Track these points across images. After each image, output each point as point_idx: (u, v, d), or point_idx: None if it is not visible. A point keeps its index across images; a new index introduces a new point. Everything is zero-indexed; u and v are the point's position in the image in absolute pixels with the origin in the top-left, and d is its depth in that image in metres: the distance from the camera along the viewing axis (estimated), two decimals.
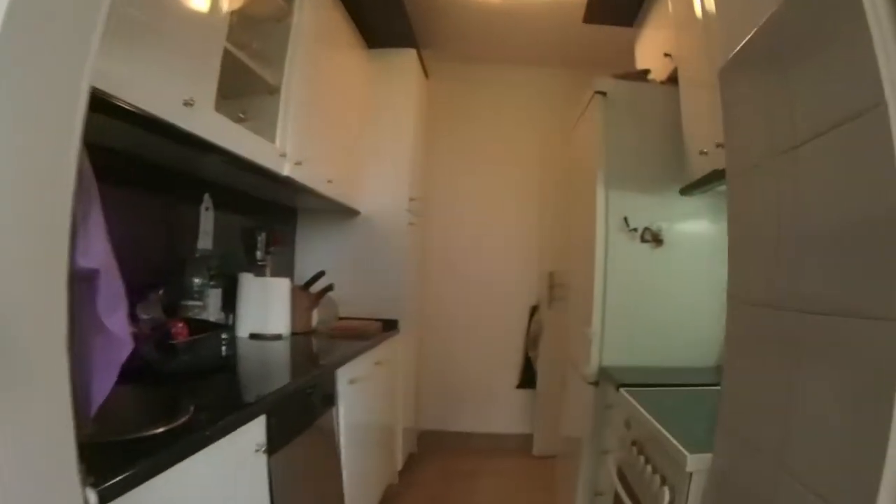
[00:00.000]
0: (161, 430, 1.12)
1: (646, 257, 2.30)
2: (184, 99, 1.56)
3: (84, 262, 0.86)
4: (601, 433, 2.25)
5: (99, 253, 0.90)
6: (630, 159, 2.35)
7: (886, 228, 0.73)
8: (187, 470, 1.08)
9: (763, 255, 1.08)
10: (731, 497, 1.12)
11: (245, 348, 2.36)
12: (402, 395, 3.41)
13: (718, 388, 2.01)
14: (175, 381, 1.57)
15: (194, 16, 1.62)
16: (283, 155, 2.22)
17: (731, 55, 1.20)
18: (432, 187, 4.15)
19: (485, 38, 3.84)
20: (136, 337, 1.72)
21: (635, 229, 2.29)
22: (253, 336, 2.56)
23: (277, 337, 2.58)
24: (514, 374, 4.13)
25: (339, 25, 2.86)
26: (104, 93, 1.26)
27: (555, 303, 3.81)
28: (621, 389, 1.86)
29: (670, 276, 2.32)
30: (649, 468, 1.47)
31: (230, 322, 2.45)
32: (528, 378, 4.04)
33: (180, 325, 1.73)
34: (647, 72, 2.56)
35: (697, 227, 2.36)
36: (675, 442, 1.30)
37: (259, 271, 2.77)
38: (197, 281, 2.29)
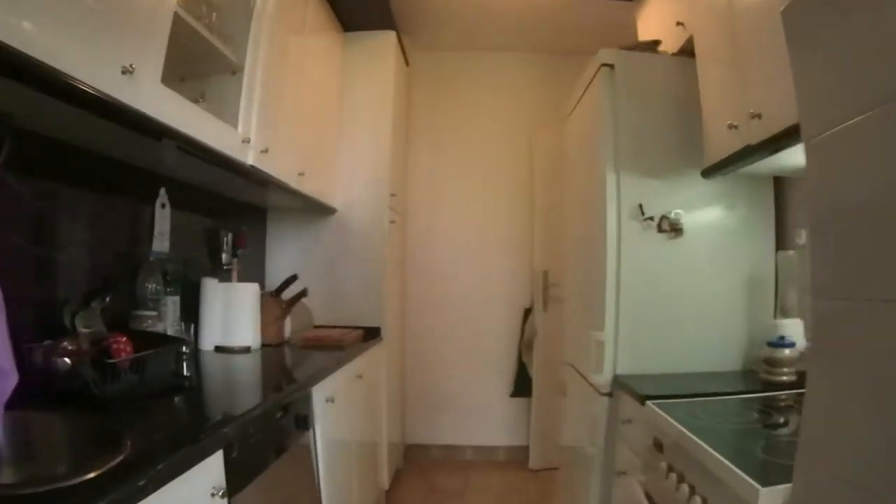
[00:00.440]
0: (79, 479, 0.84)
1: (663, 249, 2.04)
2: (122, 66, 1.27)
3: None
4: (615, 450, 1.99)
5: None
6: (642, 139, 2.09)
7: None
8: None
9: (872, 238, 0.81)
10: None
11: (208, 363, 2.06)
12: (387, 408, 3.11)
13: (754, 395, 1.80)
14: (117, 406, 1.30)
15: None
16: (247, 141, 1.92)
17: None
18: (414, 183, 3.87)
19: (468, 23, 3.59)
20: (73, 354, 1.45)
21: (651, 218, 2.03)
22: (218, 349, 2.26)
23: (245, 350, 2.28)
24: (507, 381, 3.85)
25: (311, 3, 2.56)
26: (7, 48, 0.97)
27: (550, 304, 3.55)
28: (649, 403, 1.60)
29: (690, 270, 2.06)
30: (699, 500, 1.20)
31: (191, 333, 2.14)
32: (522, 386, 3.77)
33: (122, 339, 1.42)
34: (656, 42, 2.31)
35: (719, 214, 2.11)
36: (740, 473, 1.03)
37: (224, 276, 2.46)
38: (151, 287, 1.98)
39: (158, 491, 0.92)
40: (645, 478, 1.59)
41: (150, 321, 1.89)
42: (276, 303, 2.49)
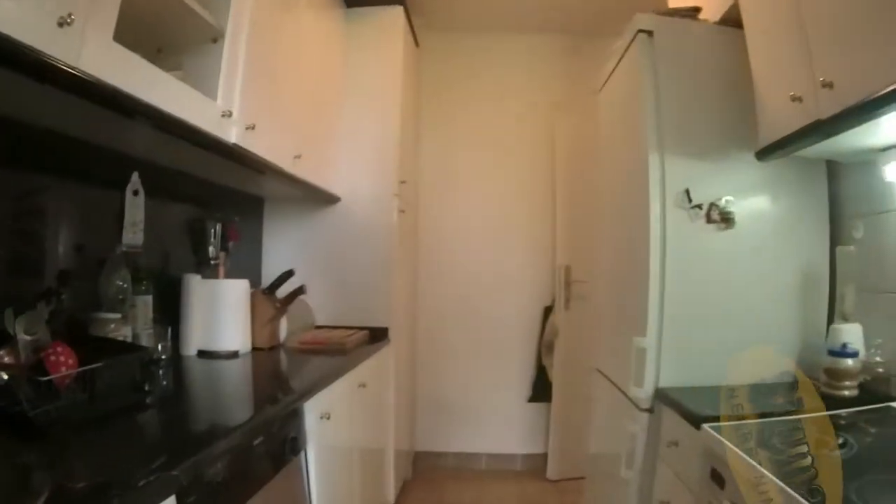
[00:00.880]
0: None
1: (711, 242, 1.76)
2: (58, 16, 1.00)
3: None
4: (656, 474, 1.71)
5: None
6: (687, 116, 1.80)
7: None
8: None
9: None
10: None
11: (187, 372, 1.82)
12: (395, 414, 2.86)
13: (820, 415, 1.52)
14: (58, 432, 1.06)
15: None
16: (228, 115, 1.65)
17: None
18: (426, 173, 3.59)
19: (482, 1, 3.29)
20: (10, 367, 1.19)
21: (699, 206, 1.74)
22: (201, 354, 2.00)
23: (232, 355, 2.02)
24: (524, 386, 3.57)
25: None
26: None
27: (573, 302, 3.27)
28: (706, 427, 1.32)
29: (741, 266, 1.78)
30: None
31: (167, 337, 1.88)
32: (541, 391, 3.48)
33: (62, 350, 1.17)
34: (696, 10, 2.02)
35: (771, 203, 1.82)
36: None
37: (211, 272, 2.20)
38: (118, 285, 1.72)
39: None
40: None
41: (113, 325, 1.64)
42: (270, 301, 2.23)
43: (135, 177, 1.81)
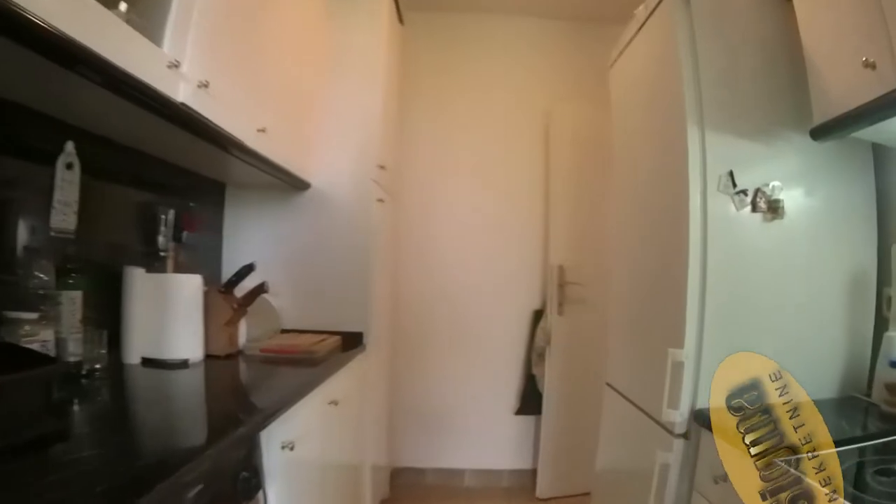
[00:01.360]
0: None
1: (757, 235, 1.49)
2: None
3: None
4: None
5: None
6: (727, 87, 1.54)
7: None
8: None
9: None
10: None
11: (128, 387, 1.49)
12: (372, 427, 2.53)
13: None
14: None
15: None
16: (175, 66, 1.31)
17: None
18: (407, 160, 3.27)
19: None
20: None
21: (744, 192, 1.47)
22: (146, 362, 1.66)
23: (181, 364, 1.68)
24: (511, 396, 3.27)
25: None
26: None
27: (567, 306, 2.98)
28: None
29: (788, 265, 1.52)
30: None
31: (103, 342, 1.53)
32: (530, 402, 3.19)
33: None
34: None
35: (820, 192, 1.56)
36: None
37: (160, 266, 1.85)
38: (40, 278, 1.38)
39: None
40: None
41: (28, 326, 1.29)
42: (227, 301, 1.89)
43: (69, 146, 1.46)
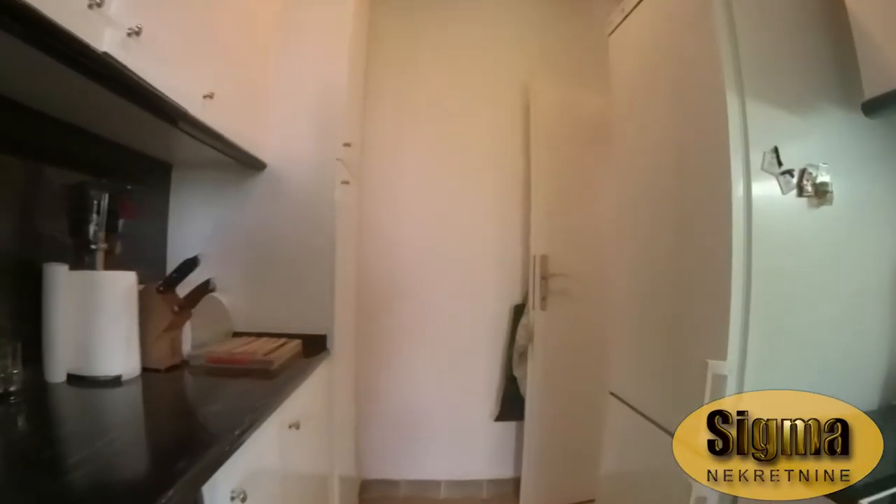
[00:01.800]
0: None
1: (803, 223, 1.26)
2: None
3: None
4: None
5: None
6: (767, 51, 1.30)
7: None
8: None
9: None
10: None
11: (46, 414, 1.19)
12: (340, 437, 2.26)
13: None
14: None
15: None
16: (97, 5, 0.99)
17: None
18: (373, 136, 2.96)
19: None
20: None
21: (789, 172, 1.24)
22: (72, 380, 1.34)
23: (114, 381, 1.37)
24: (490, 400, 3.02)
25: None
26: None
27: (550, 300, 2.75)
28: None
29: (833, 258, 1.30)
30: None
31: (16, 357, 1.21)
32: (511, 407, 2.94)
33: None
34: None
35: (866, 176, 1.35)
36: None
37: (88, 261, 1.52)
38: None
39: None
40: None
41: None
42: (167, 302, 1.57)
43: None
